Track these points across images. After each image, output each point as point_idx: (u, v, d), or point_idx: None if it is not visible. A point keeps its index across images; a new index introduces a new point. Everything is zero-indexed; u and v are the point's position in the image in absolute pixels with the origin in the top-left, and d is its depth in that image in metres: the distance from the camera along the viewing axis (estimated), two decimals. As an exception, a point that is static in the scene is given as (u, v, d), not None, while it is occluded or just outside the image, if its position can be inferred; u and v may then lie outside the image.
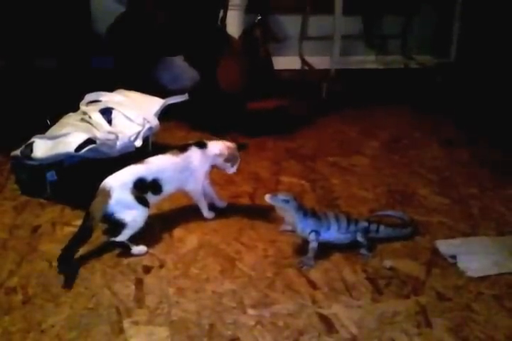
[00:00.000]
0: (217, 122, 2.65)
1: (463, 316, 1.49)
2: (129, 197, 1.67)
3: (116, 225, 1.67)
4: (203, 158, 1.81)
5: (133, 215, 1.67)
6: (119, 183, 1.68)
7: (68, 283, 1.54)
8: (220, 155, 1.81)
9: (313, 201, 2.04)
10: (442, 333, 1.42)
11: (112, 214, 1.65)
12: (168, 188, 1.77)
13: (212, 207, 1.92)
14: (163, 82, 2.79)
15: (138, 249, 1.70)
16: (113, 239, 1.68)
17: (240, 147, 1.88)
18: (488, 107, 3.09)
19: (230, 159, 1.82)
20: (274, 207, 1.70)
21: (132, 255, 1.68)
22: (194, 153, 1.81)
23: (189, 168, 1.80)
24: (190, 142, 1.85)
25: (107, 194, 1.65)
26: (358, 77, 3.48)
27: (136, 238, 1.71)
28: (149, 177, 1.71)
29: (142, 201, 1.69)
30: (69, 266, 1.60)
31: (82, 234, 1.63)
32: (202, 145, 1.83)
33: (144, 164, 1.75)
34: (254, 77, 2.84)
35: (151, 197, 1.73)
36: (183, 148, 1.82)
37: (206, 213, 1.88)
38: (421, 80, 3.48)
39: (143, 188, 1.70)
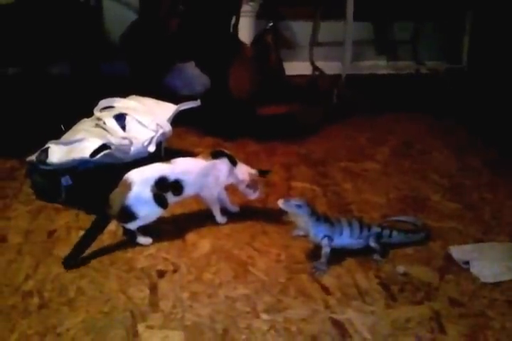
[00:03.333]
0: (228, 128, 2.67)
1: (477, 322, 1.48)
2: (148, 194, 1.70)
3: (129, 215, 1.71)
4: (228, 173, 1.84)
5: (147, 211, 1.72)
6: (141, 178, 1.71)
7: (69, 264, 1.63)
8: (242, 181, 1.84)
9: (325, 206, 2.04)
10: (456, 339, 1.42)
11: (129, 206, 1.69)
12: (188, 190, 1.79)
13: (224, 211, 1.93)
14: (176, 88, 2.81)
15: (143, 239, 1.75)
16: (123, 224, 1.74)
17: (262, 173, 1.90)
18: (501, 113, 3.08)
19: (250, 186, 1.84)
20: (287, 212, 1.71)
21: (146, 260, 1.70)
22: (223, 165, 1.83)
23: (213, 175, 1.82)
24: (224, 151, 1.88)
25: (127, 186, 1.69)
26: (369, 82, 3.49)
27: (145, 230, 1.76)
28: (172, 177, 1.74)
29: (160, 199, 1.73)
30: (78, 256, 1.66)
31: (100, 222, 1.70)
32: (233, 162, 1.85)
33: (170, 164, 1.78)
34: (266, 82, 2.86)
35: (171, 197, 1.76)
36: (215, 154, 1.85)
37: (219, 218, 1.89)
38: (432, 86, 3.48)
39: (164, 187, 1.73)
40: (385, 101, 3.28)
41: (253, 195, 1.87)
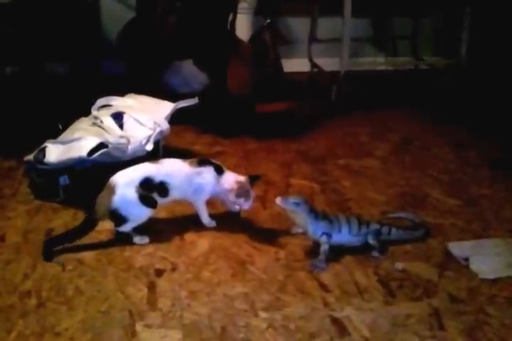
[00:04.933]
0: (227, 125, 2.66)
1: (476, 319, 1.48)
2: (133, 195, 1.69)
3: (119, 219, 1.71)
4: (214, 181, 1.78)
5: (136, 213, 1.71)
6: (125, 180, 1.70)
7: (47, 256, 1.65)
8: (230, 191, 1.75)
9: (324, 203, 2.04)
10: (455, 336, 1.42)
11: (116, 209, 1.69)
12: (174, 194, 1.76)
13: (226, 212, 1.91)
14: (173, 86, 2.81)
15: (140, 239, 1.75)
16: (116, 228, 1.73)
17: (253, 179, 1.82)
18: (500, 109, 3.07)
19: (240, 194, 1.75)
20: (285, 209, 1.70)
21: (144, 258, 1.69)
22: (207, 173, 1.78)
23: (197, 183, 1.77)
24: (211, 160, 1.82)
25: (112, 189, 1.68)
26: (368, 78, 3.48)
27: (140, 230, 1.75)
28: (157, 179, 1.72)
29: (148, 200, 1.71)
30: (51, 252, 1.67)
31: (84, 226, 1.70)
32: (219, 171, 1.79)
33: (156, 164, 1.76)
34: (264, 79, 2.85)
35: (158, 199, 1.74)
36: (201, 162, 1.80)
37: (207, 221, 1.85)
38: (431, 82, 3.47)
39: (149, 188, 1.71)
40: (384, 97, 3.27)
41: (245, 205, 1.77)
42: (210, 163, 1.81)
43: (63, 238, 1.70)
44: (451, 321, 1.47)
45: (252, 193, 1.78)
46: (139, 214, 1.72)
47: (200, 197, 1.81)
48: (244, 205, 1.78)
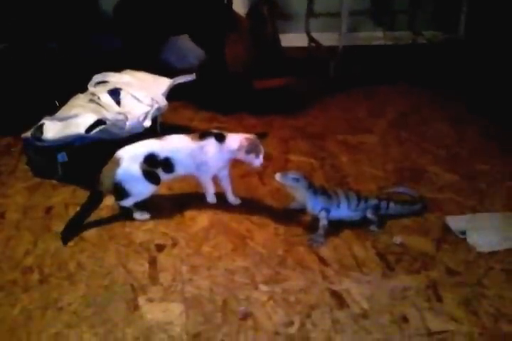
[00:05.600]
0: (224, 101, 2.64)
1: (473, 291, 1.50)
2: (137, 170, 1.70)
3: (121, 192, 1.72)
4: (219, 151, 1.75)
5: (138, 188, 1.72)
6: (129, 155, 1.71)
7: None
8: (239, 148, 1.73)
9: (323, 179, 2.05)
10: (453, 307, 1.44)
11: (119, 182, 1.70)
12: (180, 169, 1.76)
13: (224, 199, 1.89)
14: (170, 62, 2.77)
15: (140, 214, 1.76)
16: (117, 202, 1.75)
17: (260, 136, 1.78)
18: (498, 83, 3.06)
19: (251, 150, 1.72)
20: (284, 185, 1.71)
21: (144, 234, 1.71)
22: (210, 145, 1.76)
23: (202, 158, 1.76)
24: (212, 131, 1.79)
25: (116, 163, 1.69)
26: (366, 53, 3.45)
27: (141, 206, 1.76)
28: (162, 155, 1.72)
29: (152, 176, 1.72)
30: (75, 232, 1.69)
31: (93, 199, 1.71)
32: (220, 139, 1.76)
33: (161, 140, 1.76)
34: (262, 54, 2.83)
35: (162, 175, 1.74)
36: (202, 136, 1.78)
37: (210, 198, 1.85)
38: (429, 56, 3.44)
39: (153, 164, 1.72)
40: (382, 72, 3.25)
41: (256, 161, 1.73)
42: (211, 134, 1.78)
43: (78, 218, 1.70)
44: (449, 293, 1.49)
45: (262, 149, 1.74)
46: (142, 189, 1.73)
47: (205, 172, 1.80)
48: (255, 162, 1.73)
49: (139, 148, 1.74)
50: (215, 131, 1.81)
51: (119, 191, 1.71)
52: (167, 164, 1.73)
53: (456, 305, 1.45)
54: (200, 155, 1.76)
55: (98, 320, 1.36)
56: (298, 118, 2.61)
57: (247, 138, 1.73)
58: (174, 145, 1.76)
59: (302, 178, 1.68)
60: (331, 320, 1.39)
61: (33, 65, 2.52)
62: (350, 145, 2.35)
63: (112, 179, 1.69)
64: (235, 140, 1.74)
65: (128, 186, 1.70)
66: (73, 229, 1.69)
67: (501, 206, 1.91)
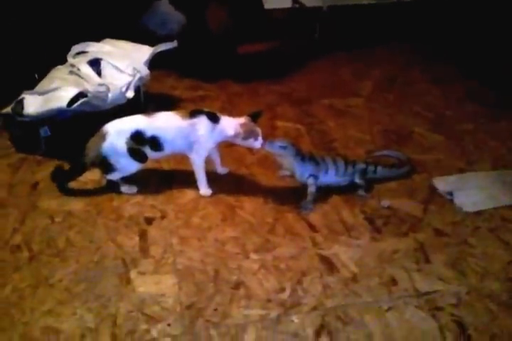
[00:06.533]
0: (208, 68, 2.60)
1: (460, 250, 1.53)
2: (123, 146, 1.67)
3: (107, 166, 1.71)
4: (211, 131, 1.70)
5: (123, 163, 1.70)
6: (116, 129, 1.68)
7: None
8: (236, 135, 1.68)
9: (310, 144, 2.04)
10: (441, 268, 1.47)
11: (105, 157, 1.68)
12: (169, 148, 1.71)
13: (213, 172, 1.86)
14: (151, 28, 2.70)
15: (128, 188, 1.76)
16: (104, 175, 1.75)
17: (254, 117, 1.72)
18: (482, 43, 3.02)
19: (248, 135, 1.67)
20: (272, 153, 1.70)
21: (133, 207, 1.70)
22: (202, 124, 1.69)
23: (194, 136, 1.70)
24: (203, 109, 1.73)
25: (102, 137, 1.67)
26: (351, 13, 3.37)
27: (128, 179, 1.76)
28: (149, 133, 1.68)
29: (137, 154, 1.69)
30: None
31: (74, 168, 1.73)
32: (214, 119, 1.70)
33: (149, 118, 1.71)
34: (244, 17, 2.76)
35: (150, 153, 1.71)
36: (193, 113, 1.71)
37: (203, 189, 1.77)
38: (415, 15, 3.38)
39: (140, 141, 1.68)
40: (367, 33, 3.19)
41: (257, 143, 1.67)
42: (202, 113, 1.71)
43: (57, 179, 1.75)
44: (437, 254, 1.51)
45: (259, 130, 1.69)
46: (127, 165, 1.71)
47: (198, 151, 1.73)
48: (255, 144, 1.69)
49: (126, 124, 1.70)
50: (206, 109, 1.74)
51: (105, 165, 1.70)
52: (154, 142, 1.69)
53: (444, 266, 1.47)
54: (193, 133, 1.70)
55: (90, 296, 1.37)
56: (283, 83, 2.57)
57: (242, 124, 1.67)
58: (162, 124, 1.70)
59: (290, 146, 1.67)
60: (321, 285, 1.41)
61: (9, 38, 2.44)
62: (336, 109, 2.33)
63: (97, 152, 1.68)
64: (230, 126, 1.68)
65: (113, 161, 1.69)
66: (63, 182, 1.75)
67: (487, 165, 1.92)
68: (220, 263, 1.48)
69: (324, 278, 1.43)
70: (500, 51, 2.88)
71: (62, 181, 1.75)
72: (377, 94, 2.47)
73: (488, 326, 1.30)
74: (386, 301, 1.36)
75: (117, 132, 1.67)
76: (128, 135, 1.67)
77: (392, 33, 3.18)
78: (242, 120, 1.69)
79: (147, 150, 1.70)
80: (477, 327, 1.29)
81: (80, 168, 1.72)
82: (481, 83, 2.55)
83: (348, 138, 2.09)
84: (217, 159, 1.85)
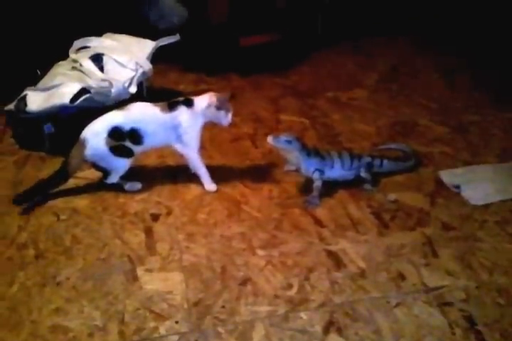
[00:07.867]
0: (211, 61, 2.58)
1: (468, 244, 1.52)
2: (104, 147, 1.65)
3: (102, 171, 1.71)
4: (193, 116, 1.69)
5: (112, 163, 1.69)
6: (92, 133, 1.66)
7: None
8: (209, 104, 1.68)
9: (315, 138, 2.02)
10: (448, 262, 1.46)
11: (94, 162, 1.68)
12: (151, 141, 1.69)
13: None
14: (152, 21, 2.68)
15: (131, 185, 1.75)
16: (104, 181, 1.73)
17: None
18: (488, 33, 2.98)
19: (220, 106, 1.67)
20: (277, 148, 1.69)
21: (138, 204, 1.69)
22: (183, 113, 1.69)
23: (179, 128, 1.69)
24: (179, 99, 1.72)
25: (82, 144, 1.66)
26: (354, 4, 3.33)
27: (130, 176, 1.75)
28: (127, 126, 1.65)
29: (121, 150, 1.67)
30: (25, 201, 1.68)
31: (56, 177, 1.70)
32: (190, 104, 1.70)
33: (123, 111, 1.67)
34: (246, 7, 2.73)
35: (132, 146, 1.68)
36: (171, 106, 1.70)
37: (208, 185, 1.76)
38: (418, 5, 3.34)
39: (119, 137, 1.65)
40: (370, 23, 3.15)
41: (226, 119, 1.69)
42: (179, 103, 1.70)
43: (35, 190, 1.68)
44: (444, 248, 1.50)
45: (231, 106, 1.70)
46: (117, 164, 1.69)
47: (189, 144, 1.71)
48: (224, 121, 1.70)
49: (101, 124, 1.66)
50: (181, 98, 1.73)
51: (100, 170, 1.70)
52: (134, 135, 1.66)
53: (452, 260, 1.46)
54: (176, 126, 1.69)
55: (98, 294, 1.37)
56: (286, 76, 2.55)
57: (214, 94, 1.69)
58: (139, 115, 1.68)
59: (295, 140, 1.66)
60: (329, 281, 1.40)
61: (11, 33, 2.42)
62: (340, 102, 2.31)
63: (80, 160, 1.67)
64: (203, 99, 1.69)
65: (103, 164, 1.68)
66: (28, 197, 1.68)
67: (493, 157, 1.90)
68: (226, 259, 1.48)
69: (332, 273, 1.43)
70: (506, 40, 2.85)
71: (44, 191, 1.71)
72: (381, 85, 2.45)
73: (497, 321, 1.29)
74: (394, 297, 1.36)
75: (94, 135, 1.65)
76: (105, 135, 1.64)
77: (395, 23, 3.14)
78: (215, 93, 1.71)
79: (129, 144, 1.67)
80: (486, 322, 1.28)
81: (63, 177, 1.69)
82: (486, 73, 2.52)
83: (353, 131, 2.08)
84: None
